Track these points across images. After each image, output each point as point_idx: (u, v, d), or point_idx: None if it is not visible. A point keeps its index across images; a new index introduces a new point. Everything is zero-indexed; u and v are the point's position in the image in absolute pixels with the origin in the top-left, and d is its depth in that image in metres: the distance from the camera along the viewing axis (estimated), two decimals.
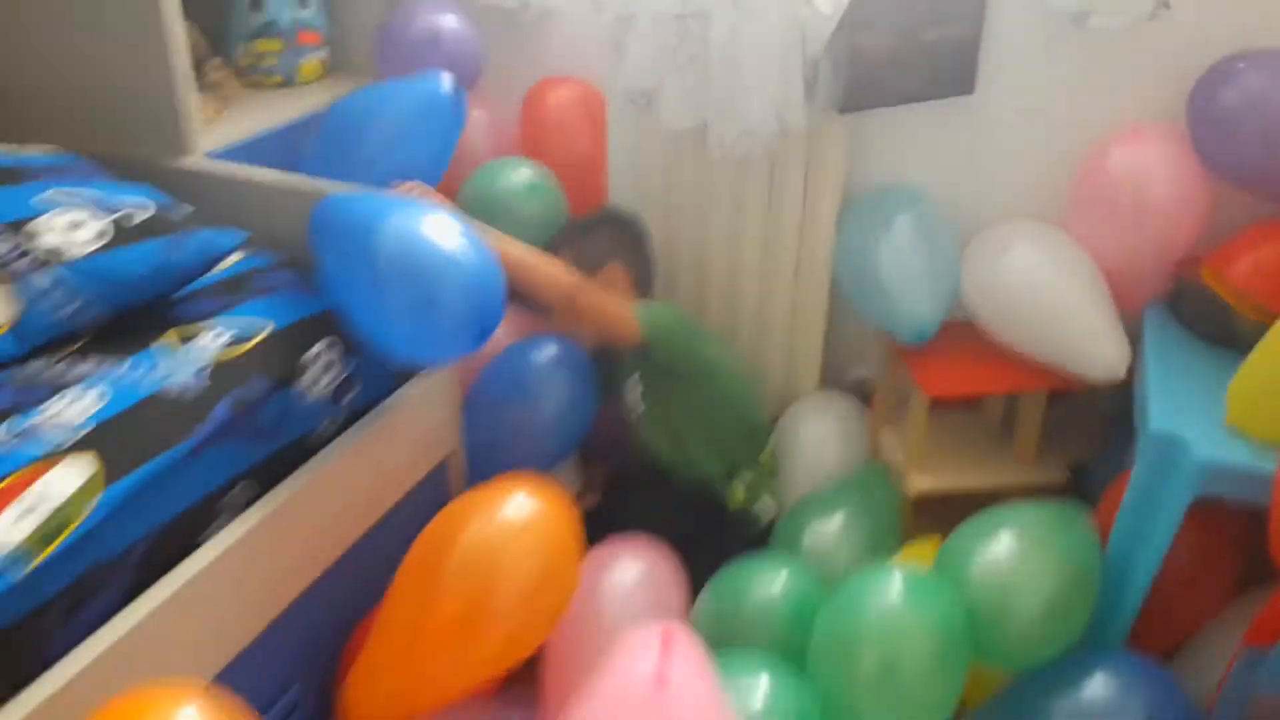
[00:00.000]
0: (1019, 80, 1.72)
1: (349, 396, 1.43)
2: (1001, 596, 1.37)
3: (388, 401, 1.46)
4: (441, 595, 1.26)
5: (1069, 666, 1.39)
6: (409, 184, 1.57)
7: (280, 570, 1.30)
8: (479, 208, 1.80)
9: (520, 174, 1.88)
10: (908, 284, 1.73)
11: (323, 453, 1.35)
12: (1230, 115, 1.59)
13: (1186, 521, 1.36)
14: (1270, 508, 1.22)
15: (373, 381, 1.47)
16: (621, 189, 1.96)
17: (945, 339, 1.75)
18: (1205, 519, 1.39)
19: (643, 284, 1.88)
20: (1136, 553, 1.42)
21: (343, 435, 1.39)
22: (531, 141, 2.01)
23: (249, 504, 1.26)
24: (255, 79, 1.93)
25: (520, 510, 1.31)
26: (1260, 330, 1.50)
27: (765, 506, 1.81)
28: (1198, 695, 1.41)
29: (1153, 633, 1.46)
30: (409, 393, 1.49)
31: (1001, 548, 1.40)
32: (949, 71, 1.68)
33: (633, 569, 1.48)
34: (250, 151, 1.80)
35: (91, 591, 1.09)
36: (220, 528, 1.22)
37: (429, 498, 1.55)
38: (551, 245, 1.82)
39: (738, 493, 1.80)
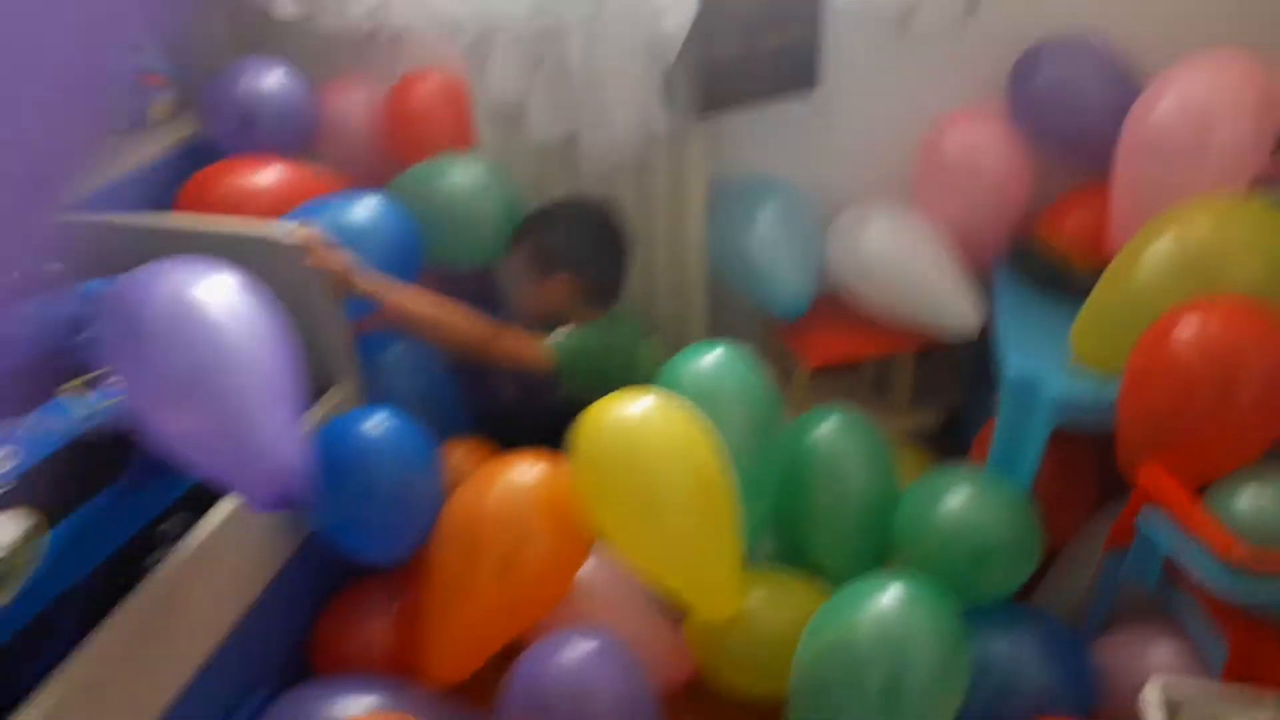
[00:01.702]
0: (856, 75, 1.86)
1: None
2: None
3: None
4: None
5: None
6: (306, 229, 1.48)
7: (230, 582, 1.33)
8: (423, 211, 1.78)
9: (466, 173, 1.83)
10: (778, 264, 1.86)
11: None
12: (1043, 94, 1.78)
13: (1049, 450, 1.53)
14: (1116, 430, 1.40)
15: None
16: None
17: (817, 312, 1.89)
18: (1064, 448, 1.56)
19: (602, 287, 1.82)
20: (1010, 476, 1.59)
21: None
22: (398, 131, 1.99)
23: (185, 530, 1.27)
24: None
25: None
26: (1094, 278, 1.70)
27: None
28: (1072, 598, 1.57)
29: None
30: (314, 414, 1.53)
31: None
32: (793, 71, 1.82)
33: None
34: (114, 195, 1.77)
35: (52, 626, 1.10)
36: (162, 554, 1.23)
37: None
38: (513, 239, 1.84)
39: None
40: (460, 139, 1.94)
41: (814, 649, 1.32)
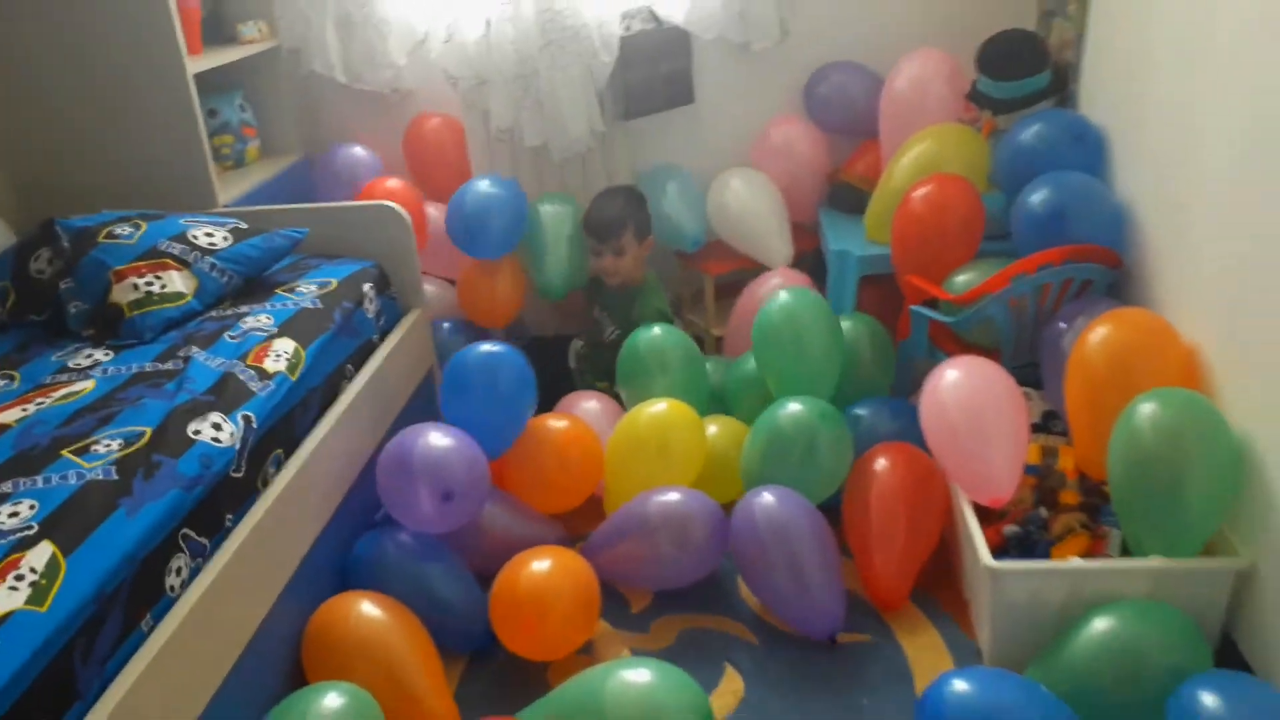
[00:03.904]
0: (718, 89, 2.88)
1: (381, 320, 2.31)
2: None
3: (397, 329, 2.36)
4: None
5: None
6: None
7: (374, 418, 2.18)
8: None
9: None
10: (682, 218, 2.82)
11: (378, 351, 2.24)
12: (827, 99, 2.83)
13: (861, 292, 2.51)
14: (895, 271, 2.39)
15: (390, 313, 2.36)
16: None
17: (709, 250, 2.87)
18: (868, 290, 2.53)
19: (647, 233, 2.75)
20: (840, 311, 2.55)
21: (385, 340, 2.29)
22: (413, 158, 2.92)
23: (354, 375, 2.13)
24: (218, 165, 2.73)
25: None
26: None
27: None
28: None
29: None
30: (407, 322, 2.40)
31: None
32: (679, 89, 2.82)
33: None
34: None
35: (311, 403, 1.94)
36: (348, 384, 2.09)
37: (426, 391, 2.49)
38: (612, 221, 2.66)
39: None
40: (460, 159, 2.88)
41: (756, 441, 2.21)
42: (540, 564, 1.93)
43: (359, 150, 2.92)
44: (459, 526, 2.07)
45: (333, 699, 1.60)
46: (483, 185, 2.65)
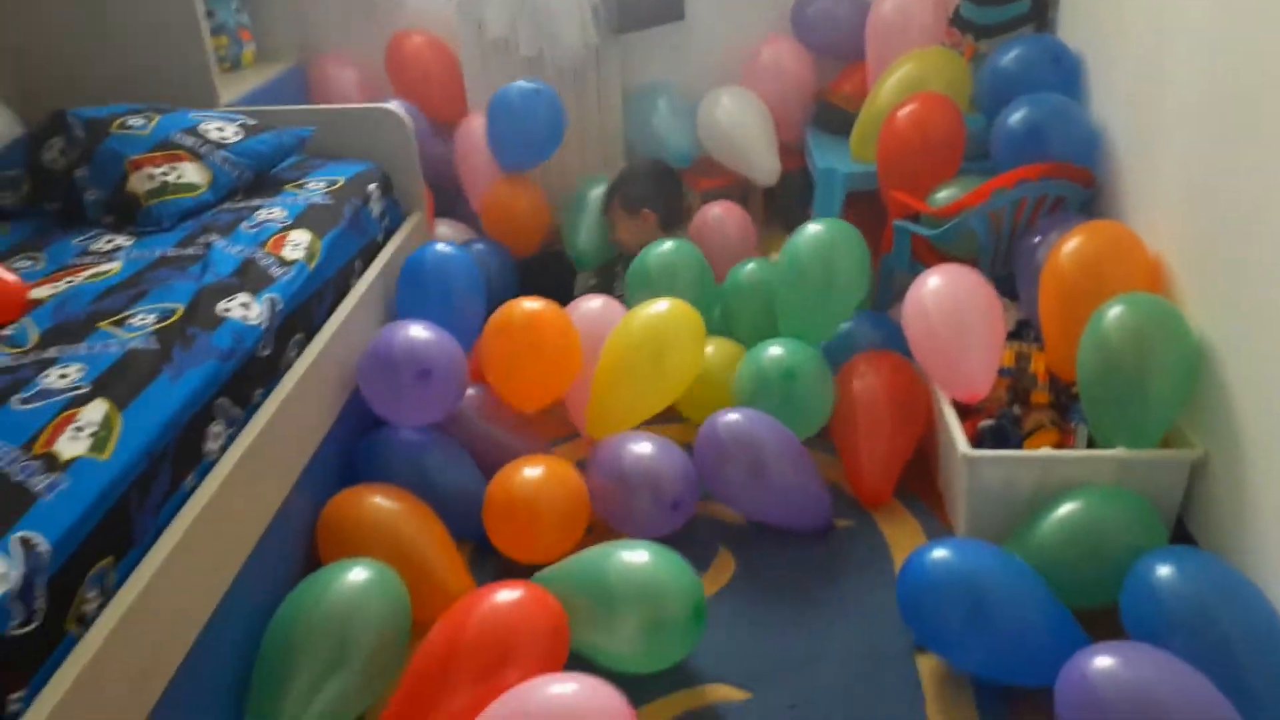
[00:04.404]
0: (708, 7, 2.95)
1: (385, 220, 2.38)
2: None
3: (400, 231, 2.43)
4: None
5: None
6: None
7: (379, 315, 2.27)
8: None
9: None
10: (672, 133, 2.91)
11: (383, 250, 2.31)
12: (816, 20, 2.92)
13: (846, 208, 2.61)
14: (878, 184, 2.50)
15: (392, 215, 2.43)
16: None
17: (700, 166, 2.96)
18: (853, 205, 2.64)
19: (673, 217, 2.78)
20: None
21: (390, 239, 2.36)
22: (397, 76, 2.96)
23: (362, 271, 2.20)
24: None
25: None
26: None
27: None
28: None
29: None
30: (409, 225, 2.47)
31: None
32: (670, 5, 2.88)
33: None
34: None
35: (326, 294, 2.01)
36: (358, 280, 2.16)
37: None
38: (609, 190, 2.79)
39: None
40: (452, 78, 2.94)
41: (750, 367, 2.29)
42: (533, 470, 2.00)
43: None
44: (442, 414, 2.12)
45: (358, 573, 1.70)
46: (523, 82, 2.70)
